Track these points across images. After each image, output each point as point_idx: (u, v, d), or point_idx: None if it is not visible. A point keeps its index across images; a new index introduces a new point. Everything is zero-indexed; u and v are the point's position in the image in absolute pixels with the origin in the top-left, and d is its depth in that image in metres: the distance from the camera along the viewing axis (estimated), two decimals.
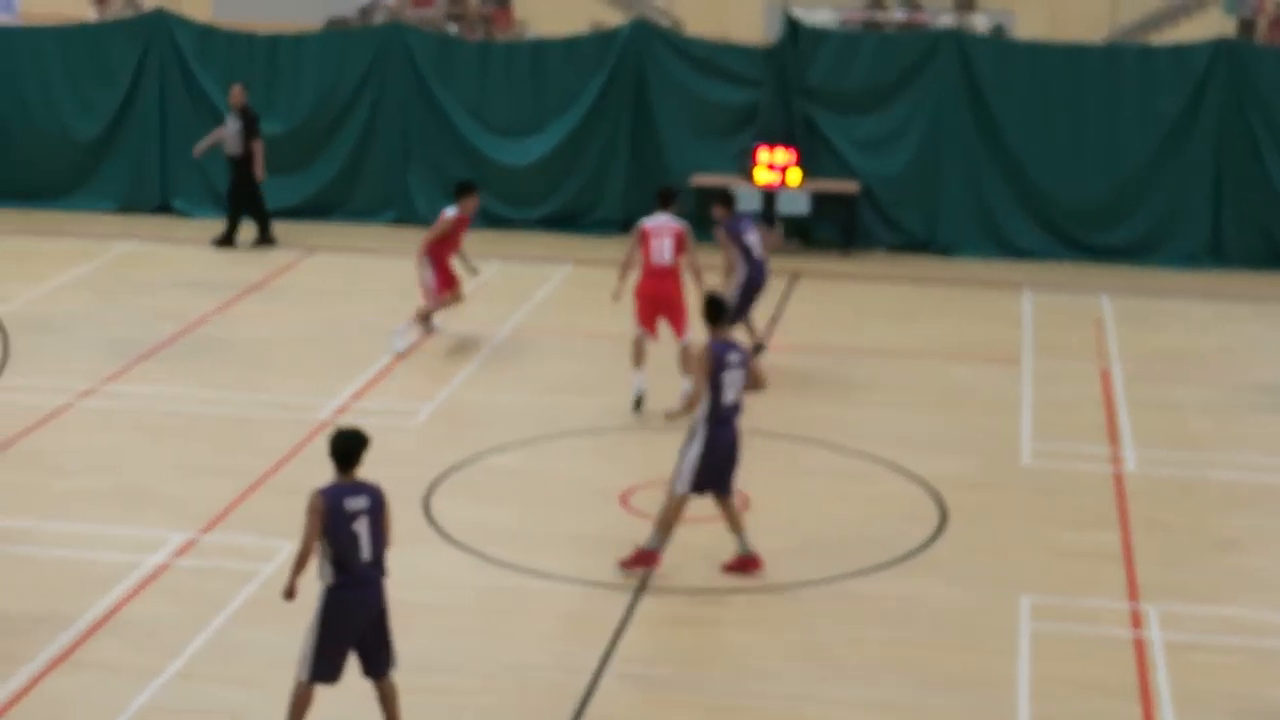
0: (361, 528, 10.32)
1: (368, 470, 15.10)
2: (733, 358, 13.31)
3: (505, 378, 18.08)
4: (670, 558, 13.78)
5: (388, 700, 10.78)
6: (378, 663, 10.70)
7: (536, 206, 23.67)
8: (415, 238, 23.71)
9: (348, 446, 10.44)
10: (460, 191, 18.85)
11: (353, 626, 10.50)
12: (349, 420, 16.64)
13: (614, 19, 37.21)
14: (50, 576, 13.35)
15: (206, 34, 25.39)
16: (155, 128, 24.94)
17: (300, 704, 10.62)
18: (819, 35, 24.40)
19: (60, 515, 14.50)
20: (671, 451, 15.96)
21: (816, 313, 20.97)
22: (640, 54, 23.98)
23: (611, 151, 24.16)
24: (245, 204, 23.34)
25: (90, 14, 37.15)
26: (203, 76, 24.89)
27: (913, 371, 18.81)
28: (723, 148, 23.97)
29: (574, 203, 24.15)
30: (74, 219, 24.14)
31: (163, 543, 13.88)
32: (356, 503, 10.33)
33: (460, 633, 12.72)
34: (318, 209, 24.66)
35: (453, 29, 36.91)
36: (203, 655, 12.16)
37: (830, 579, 13.58)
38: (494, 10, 39.89)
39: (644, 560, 13.46)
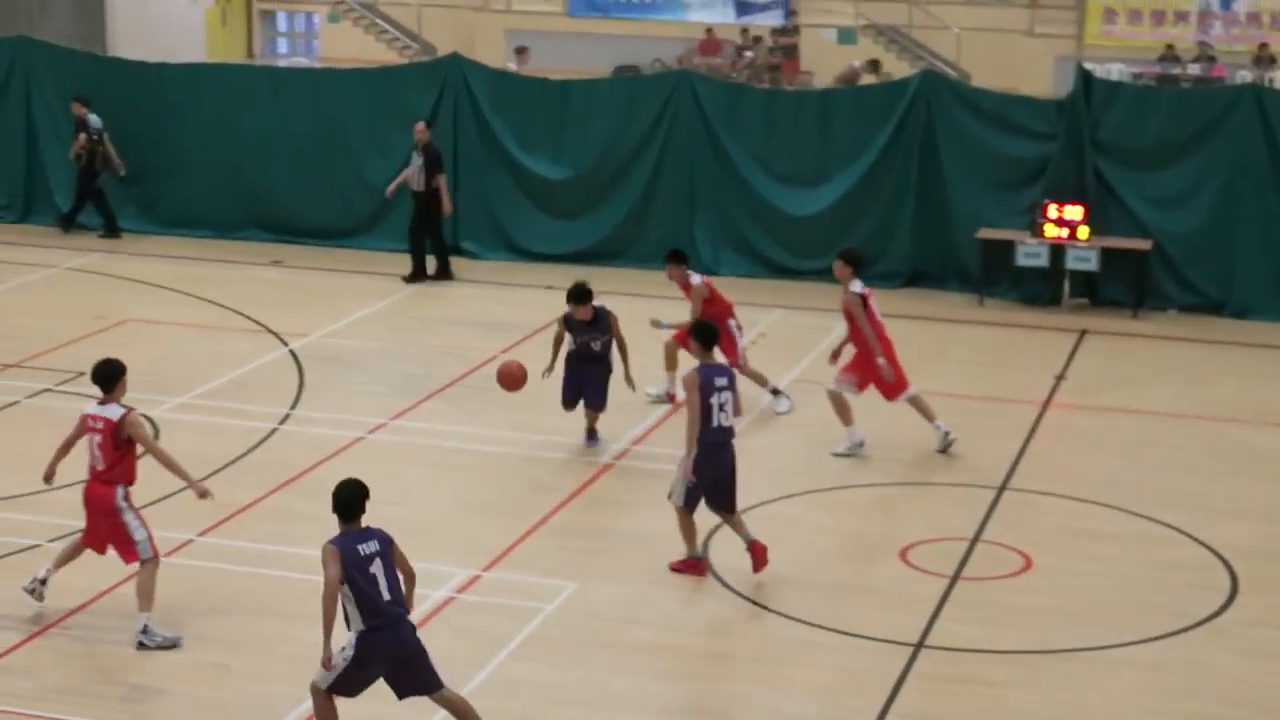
0: (378, 569, 10.76)
1: (644, 515, 15.27)
2: (720, 381, 13.87)
3: (786, 428, 18.04)
4: (951, 614, 13.64)
5: (458, 710, 11.18)
6: (421, 687, 11.09)
7: (821, 257, 23.54)
8: None
9: (350, 496, 10.91)
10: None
11: (382, 663, 10.87)
12: (630, 464, 16.78)
13: (901, 69, 37.15)
14: None
15: (500, 79, 25.87)
16: (448, 170, 25.39)
17: (319, 704, 10.99)
18: (1112, 89, 23.95)
19: None
20: (955, 510, 15.91)
21: (1105, 371, 20.53)
22: (929, 105, 23.78)
23: (898, 203, 24.00)
24: (428, 239, 23.92)
25: (388, 56, 38.24)
26: (494, 121, 25.33)
27: (1206, 435, 18.31)
28: (1010, 201, 23.64)
29: None
30: (367, 257, 24.71)
31: (447, 578, 14.13)
32: (368, 546, 10.80)
33: (735, 680, 12.72)
34: (602, 254, 24.91)
35: (740, 77, 37.17)
36: (483, 690, 12.32)
37: (1113, 645, 13.28)
38: (781, 59, 40.07)
39: (691, 567, 14.19)
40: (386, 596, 10.79)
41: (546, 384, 19.23)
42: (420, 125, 23.85)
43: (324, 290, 23.49)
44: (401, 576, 11.07)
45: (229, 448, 16.99)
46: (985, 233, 23.43)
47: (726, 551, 14.72)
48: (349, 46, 43.87)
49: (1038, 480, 16.73)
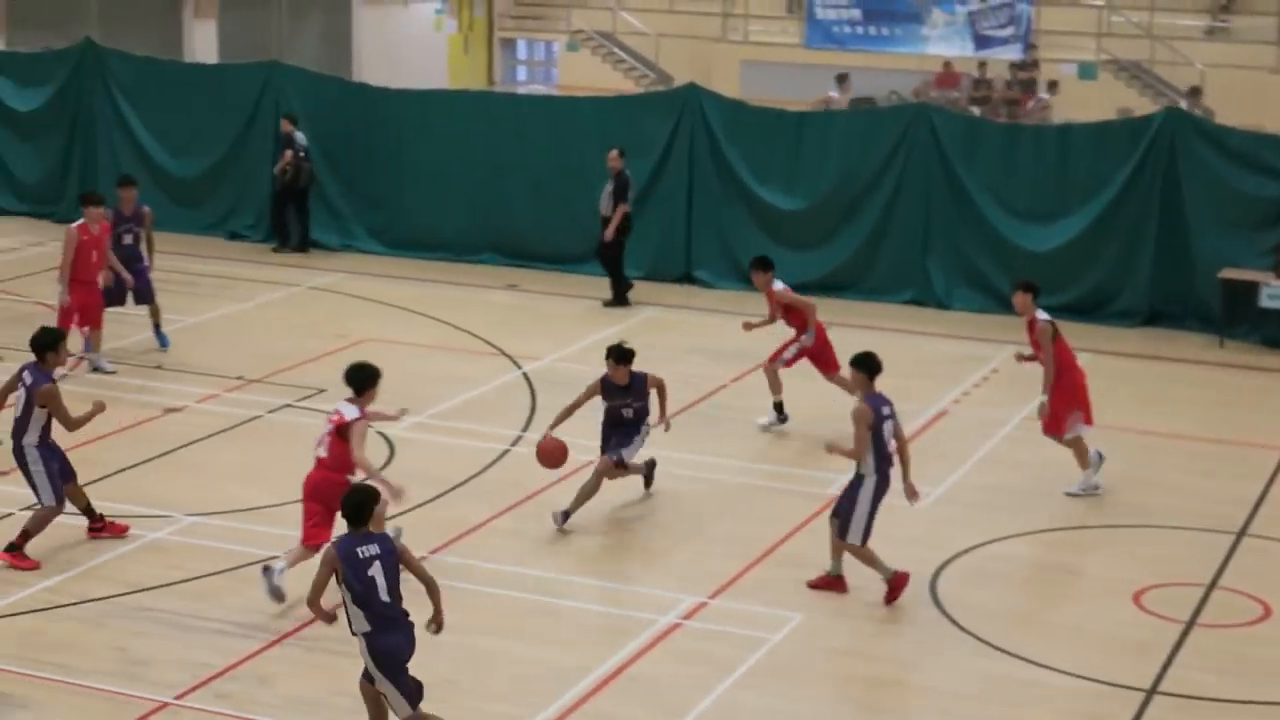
0: (377, 572, 11.04)
1: (874, 548, 15.11)
2: (885, 410, 14.17)
3: (1016, 465, 17.80)
4: (1185, 661, 13.35)
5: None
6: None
7: (1056, 293, 23.24)
8: (931, 319, 23.80)
9: (360, 502, 11.23)
10: None
11: (404, 658, 11.22)
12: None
13: (1140, 105, 36.52)
14: (569, 627, 13.80)
15: (737, 109, 25.94)
16: (682, 198, 25.58)
17: None
18: None
19: (578, 569, 14.98)
20: (1191, 555, 15.55)
21: None
22: (1172, 142, 23.34)
23: (1137, 241, 23.56)
24: (608, 263, 24.31)
25: (625, 85, 38.52)
26: (729, 151, 25.41)
27: None
28: (1255, 241, 23.08)
29: (1095, 292, 23.67)
30: (601, 283, 24.83)
31: (673, 604, 14.18)
32: (368, 550, 11.08)
33: (961, 718, 12.55)
34: (835, 285, 24.81)
35: (976, 111, 36.84)
36: (706, 717, 12.36)
37: None
38: (1019, 94, 39.64)
39: (899, 584, 14.29)
40: (385, 598, 11.08)
41: (788, 417, 19.24)
42: (614, 153, 24.10)
43: (558, 315, 23.73)
44: (423, 585, 11.38)
45: (462, 468, 17.24)
46: (1228, 273, 22.90)
47: (956, 589, 14.59)
48: (587, 75, 44.31)
49: (1279, 527, 16.31)
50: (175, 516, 15.79)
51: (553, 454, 15.89)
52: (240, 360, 20.78)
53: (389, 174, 27.04)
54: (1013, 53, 41.58)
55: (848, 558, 14.40)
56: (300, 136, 26.60)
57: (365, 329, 22.39)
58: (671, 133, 25.59)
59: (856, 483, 14.19)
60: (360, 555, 11.05)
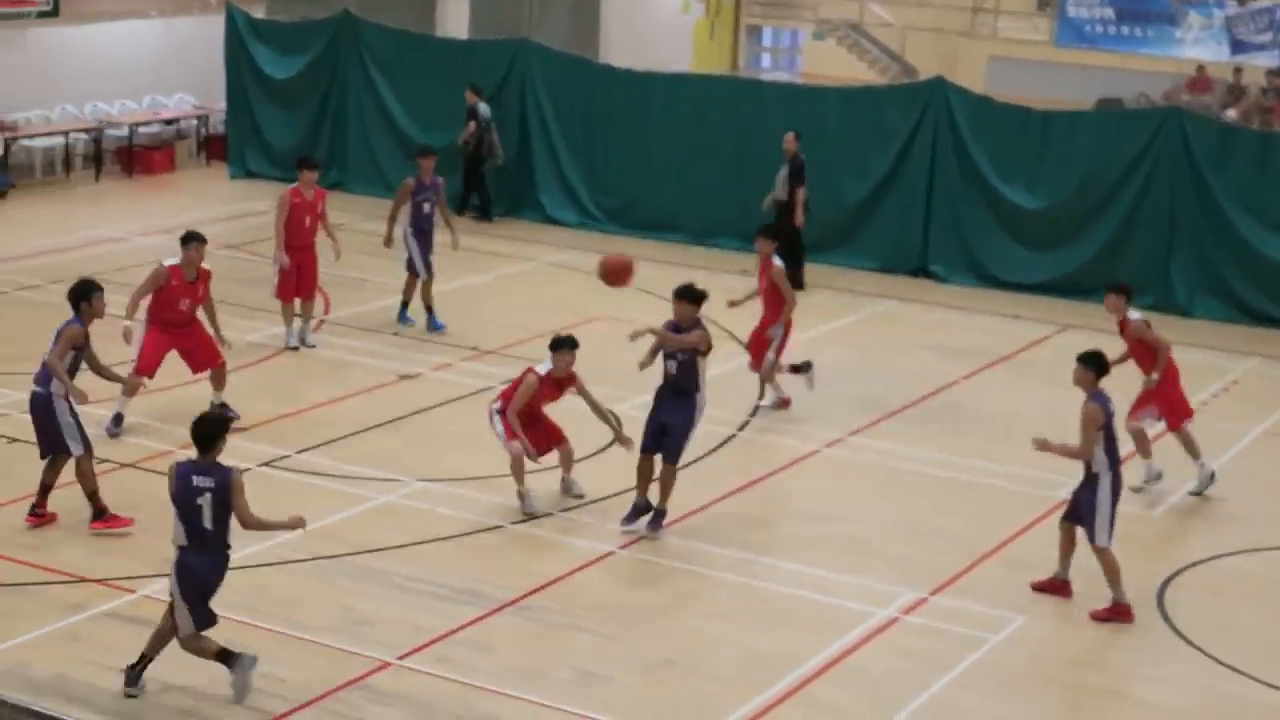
0: (205, 502, 11.58)
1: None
2: (1111, 406, 14.01)
3: (1252, 479, 17.37)
4: None
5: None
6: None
7: None
8: (1171, 326, 23.20)
9: (205, 431, 11.75)
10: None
11: (203, 582, 11.74)
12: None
13: None
14: (785, 614, 13.79)
15: (982, 105, 25.63)
16: (922, 192, 25.37)
17: (197, 648, 11.87)
18: None
19: (798, 557, 14.94)
20: None
21: None
22: None
23: None
24: (789, 248, 23.95)
25: (868, 76, 38.18)
26: (973, 147, 25.13)
27: None
28: None
29: None
30: (835, 274, 24.80)
31: (893, 598, 14.10)
32: (204, 481, 11.61)
33: None
34: (1074, 287, 24.43)
35: (1230, 115, 35.99)
36: (920, 713, 12.27)
37: None
38: (1274, 101, 38.62)
39: (1120, 613, 13.89)
40: (208, 527, 11.60)
41: (1019, 418, 19.03)
42: (790, 136, 24.06)
43: None
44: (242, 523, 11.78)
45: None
46: None
47: (1185, 602, 14.30)
48: (831, 64, 44.08)
49: None
50: (405, 481, 16.08)
51: (618, 270, 15.90)
52: (476, 331, 21.08)
53: (630, 155, 27.21)
54: (1271, 59, 40.50)
55: (1076, 562, 14.17)
56: (484, 108, 26.95)
57: (599, 306, 22.54)
58: (915, 126, 25.39)
59: (1092, 483, 13.95)
60: (194, 483, 11.60)
